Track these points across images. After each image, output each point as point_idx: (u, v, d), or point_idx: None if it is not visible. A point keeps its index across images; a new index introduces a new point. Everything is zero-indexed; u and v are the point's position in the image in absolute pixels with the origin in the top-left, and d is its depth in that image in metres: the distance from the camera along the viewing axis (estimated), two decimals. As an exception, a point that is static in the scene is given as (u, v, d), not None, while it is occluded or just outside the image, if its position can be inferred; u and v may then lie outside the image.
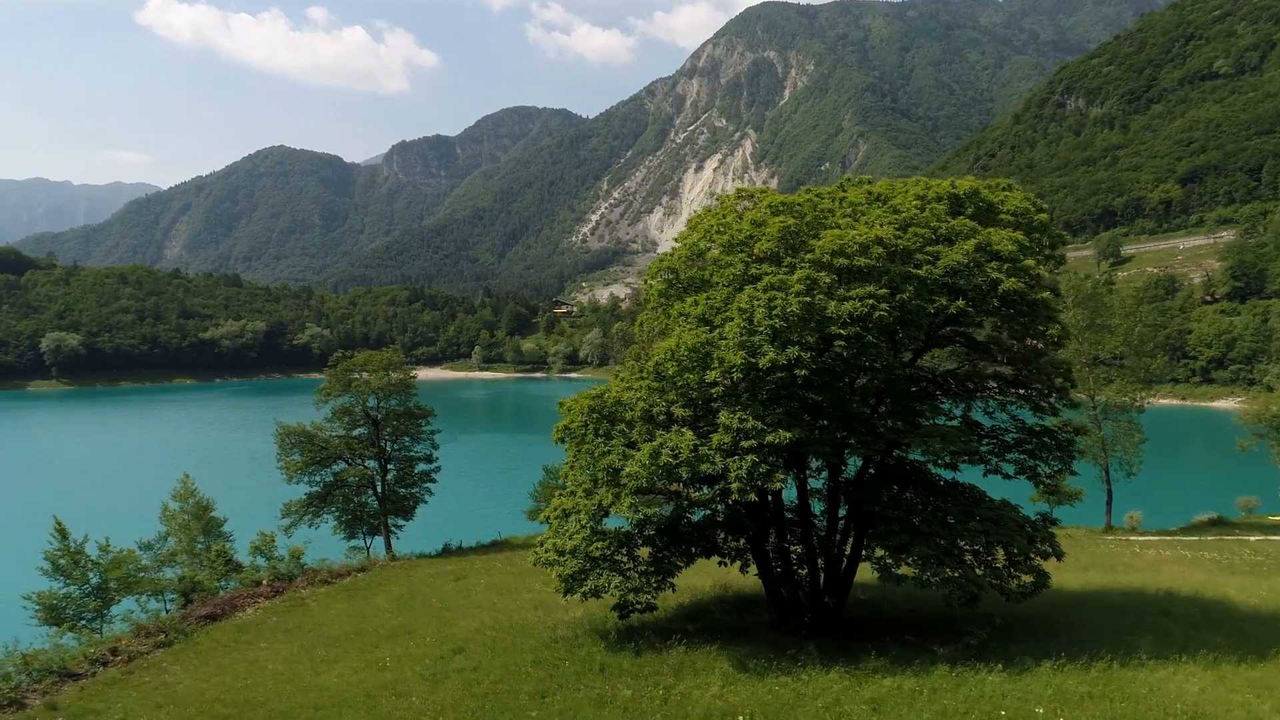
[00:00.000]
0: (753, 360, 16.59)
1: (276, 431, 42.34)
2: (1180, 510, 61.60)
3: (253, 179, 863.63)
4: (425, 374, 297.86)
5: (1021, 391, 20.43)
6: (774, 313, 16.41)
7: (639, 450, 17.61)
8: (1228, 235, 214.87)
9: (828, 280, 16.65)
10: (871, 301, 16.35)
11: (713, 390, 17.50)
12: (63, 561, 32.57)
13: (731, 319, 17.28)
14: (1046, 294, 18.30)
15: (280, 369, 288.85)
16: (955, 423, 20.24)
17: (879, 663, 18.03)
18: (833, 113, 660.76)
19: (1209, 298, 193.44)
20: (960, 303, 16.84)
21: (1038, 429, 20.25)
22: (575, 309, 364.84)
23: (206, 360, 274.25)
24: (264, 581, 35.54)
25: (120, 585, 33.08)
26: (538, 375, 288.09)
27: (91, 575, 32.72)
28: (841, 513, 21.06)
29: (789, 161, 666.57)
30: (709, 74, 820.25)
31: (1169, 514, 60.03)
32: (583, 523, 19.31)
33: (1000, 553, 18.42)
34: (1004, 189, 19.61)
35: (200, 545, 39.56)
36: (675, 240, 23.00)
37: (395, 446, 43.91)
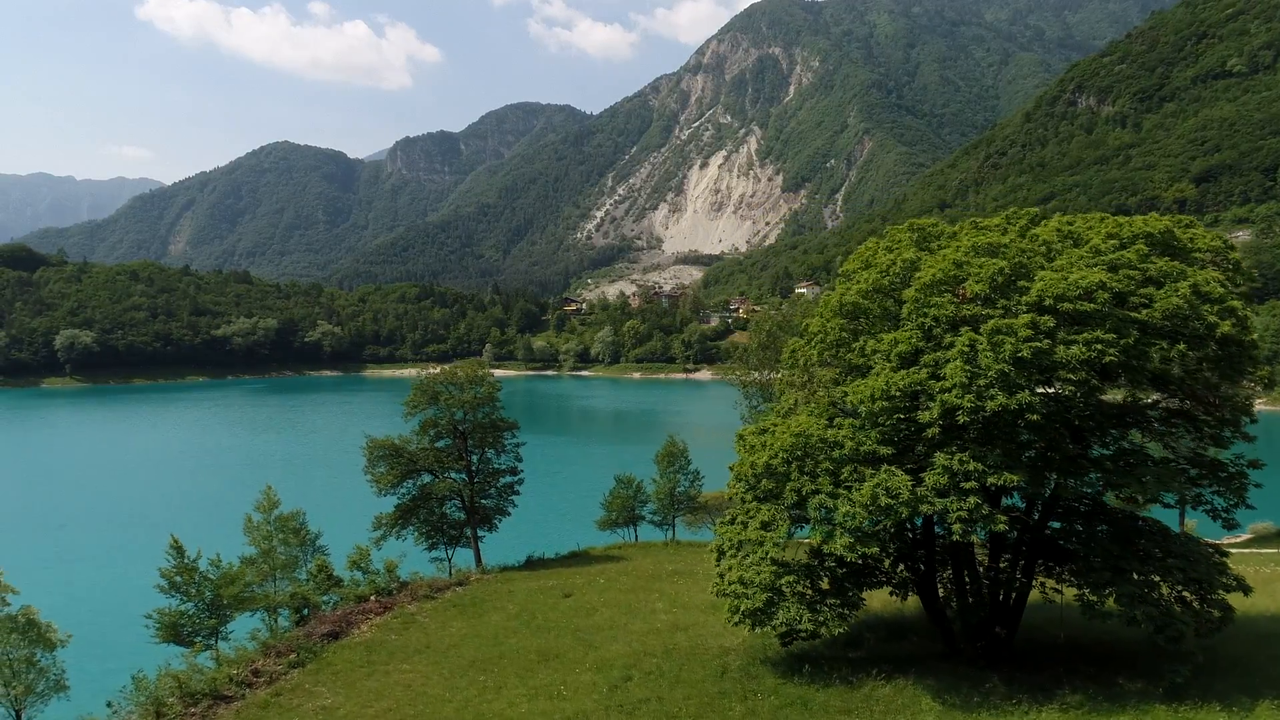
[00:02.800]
0: (979, 404, 16.75)
1: (365, 445, 42.49)
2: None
3: (257, 174, 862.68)
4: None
5: (1183, 423, 20.55)
6: (1001, 356, 16.57)
7: (852, 490, 17.78)
8: (1243, 235, 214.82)
9: (1049, 324, 16.81)
10: (1099, 347, 16.52)
11: (928, 431, 17.63)
12: (178, 579, 32.71)
13: (948, 360, 17.43)
14: (1254, 335, 18.45)
15: (292, 366, 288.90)
16: (1111, 453, 20.32)
17: (1077, 698, 18.21)
18: (838, 109, 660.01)
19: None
20: (1181, 346, 16.97)
21: (1208, 460, 20.36)
22: (584, 306, 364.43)
23: (218, 357, 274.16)
24: (370, 597, 35.71)
25: (234, 601, 33.20)
26: (549, 373, 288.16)
27: (206, 592, 32.85)
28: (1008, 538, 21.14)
29: (794, 158, 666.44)
30: (714, 70, 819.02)
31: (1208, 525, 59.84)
32: (767, 555, 19.47)
33: (1193, 587, 18.56)
34: (1187, 225, 19.76)
35: (283, 554, 39.40)
36: (840, 273, 23.18)
37: (479, 458, 44.06)
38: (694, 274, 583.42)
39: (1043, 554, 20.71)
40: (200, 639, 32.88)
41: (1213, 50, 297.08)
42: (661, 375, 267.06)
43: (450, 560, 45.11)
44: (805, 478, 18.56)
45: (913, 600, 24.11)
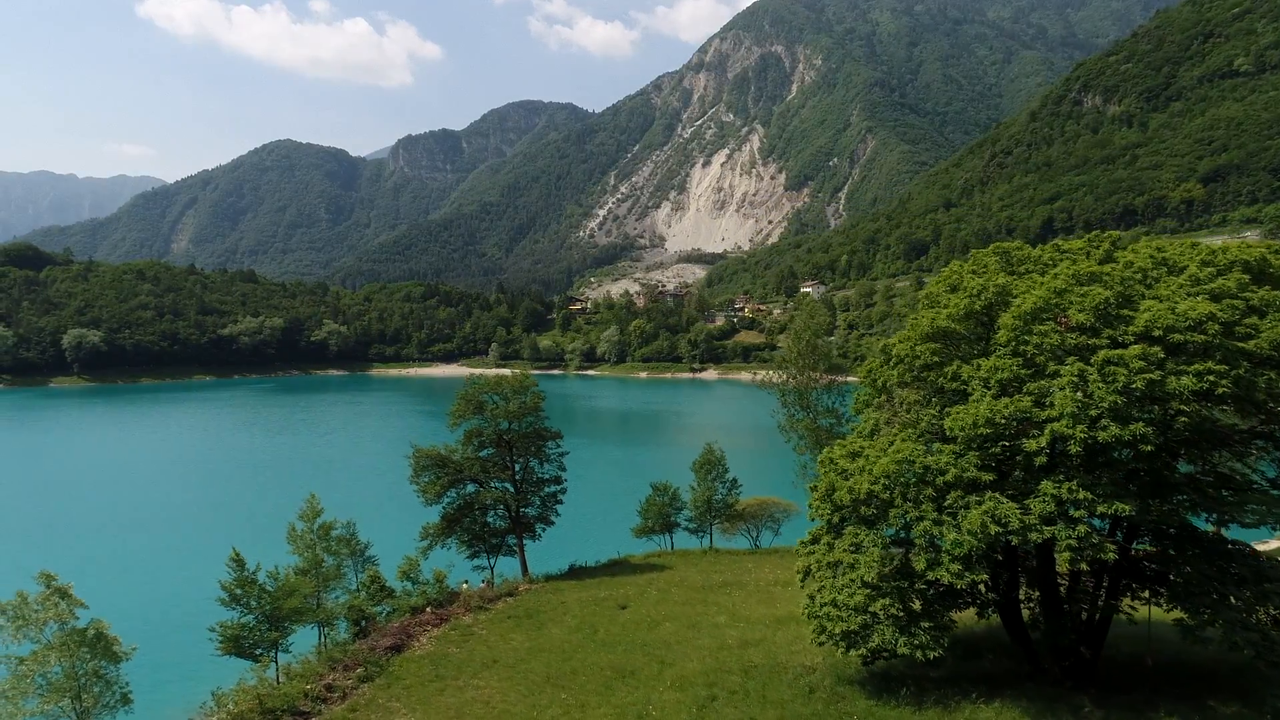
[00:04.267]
0: (1092, 435, 16.91)
1: (411, 454, 42.63)
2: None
3: (259, 173, 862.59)
4: (443, 370, 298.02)
5: (1264, 443, 20.69)
6: (1113, 388, 16.73)
7: (959, 517, 17.92)
8: (1252, 235, 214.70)
9: (1159, 355, 16.95)
10: (1211, 378, 16.68)
11: (1036, 460, 17.77)
12: (239, 591, 32.86)
13: (1054, 389, 17.58)
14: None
15: (298, 365, 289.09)
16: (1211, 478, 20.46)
17: (1177, 722, 18.40)
18: (841, 107, 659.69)
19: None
20: (1287, 374, 17.13)
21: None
22: (589, 305, 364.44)
23: (225, 357, 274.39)
24: (426, 609, 35.87)
25: (293, 614, 33.34)
26: (555, 372, 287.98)
27: (265, 604, 32.97)
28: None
29: (796, 156, 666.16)
30: (716, 68, 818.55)
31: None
32: (860, 577, 19.61)
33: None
34: (1278, 251, 19.88)
35: (329, 563, 39.49)
36: (924, 296, 23.30)
37: (523, 467, 44.22)
38: (697, 272, 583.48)
39: (1129, 575, 20.87)
40: (261, 651, 33.09)
41: (1219, 49, 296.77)
42: (668, 375, 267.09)
43: (492, 568, 45.30)
44: (909, 504, 18.69)
45: (973, 616, 24.18)
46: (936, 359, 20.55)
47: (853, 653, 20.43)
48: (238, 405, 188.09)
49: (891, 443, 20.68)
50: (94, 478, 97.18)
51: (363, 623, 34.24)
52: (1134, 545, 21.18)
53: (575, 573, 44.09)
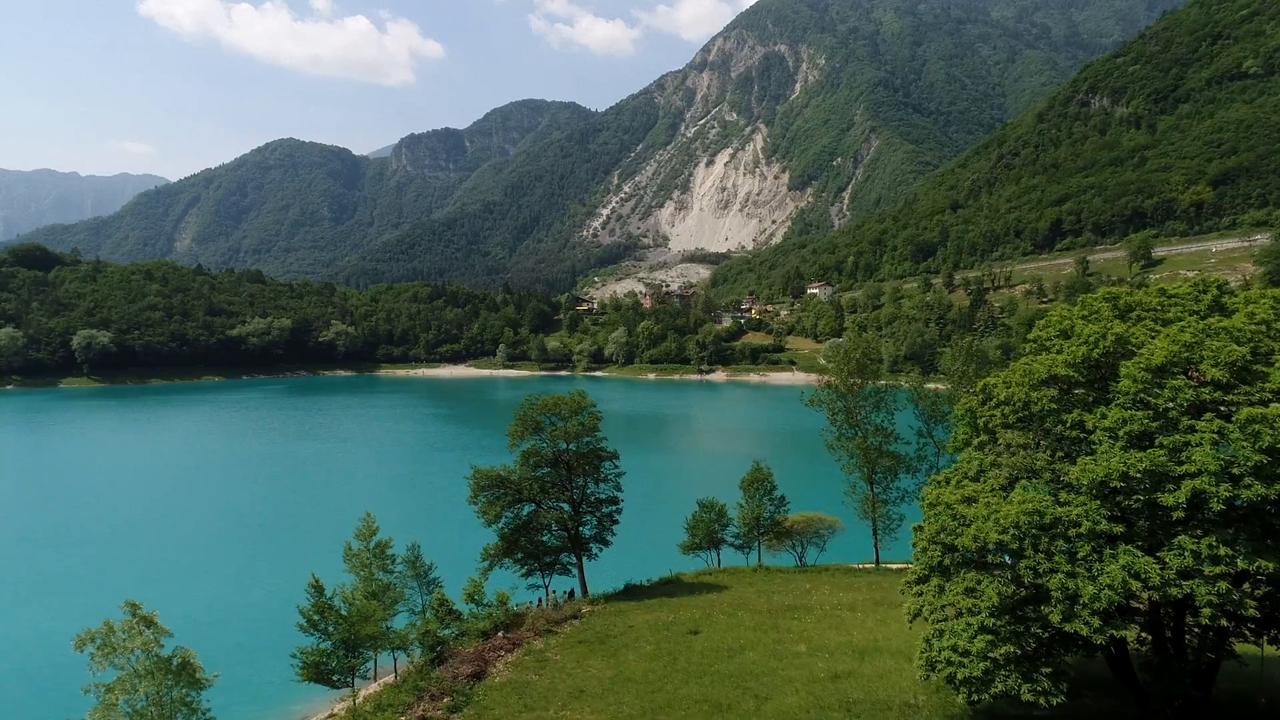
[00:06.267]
0: (1235, 493, 17.12)
1: (471, 475, 42.82)
2: None
3: (262, 171, 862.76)
4: (451, 371, 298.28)
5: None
6: (1258, 446, 16.94)
7: (1093, 569, 18.12)
8: (1262, 238, 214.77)
9: (1300, 411, 17.17)
10: (1354, 433, 16.89)
11: (1173, 514, 17.96)
12: (316, 617, 33.05)
13: (1191, 444, 17.79)
14: None
15: (306, 366, 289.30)
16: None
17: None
18: (844, 107, 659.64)
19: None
20: None
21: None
22: (596, 306, 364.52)
23: (233, 357, 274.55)
24: (498, 633, 36.08)
25: (369, 640, 33.45)
26: (562, 373, 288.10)
27: (342, 630, 33.12)
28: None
29: (800, 156, 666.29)
30: (719, 67, 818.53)
31: None
32: (982, 624, 19.78)
33: None
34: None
35: (382, 579, 39.51)
36: (1030, 338, 23.49)
37: (580, 487, 44.46)
38: (701, 272, 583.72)
39: (1241, 618, 21.05)
40: (338, 677, 33.29)
41: (1228, 51, 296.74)
42: (676, 376, 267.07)
43: (547, 587, 45.52)
44: (1041, 555, 18.86)
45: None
46: (1054, 406, 20.74)
47: (976, 697, 20.56)
48: (252, 408, 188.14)
49: (1005, 486, 20.84)
50: (127, 487, 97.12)
51: (438, 648, 34.41)
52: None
53: (631, 592, 44.29)
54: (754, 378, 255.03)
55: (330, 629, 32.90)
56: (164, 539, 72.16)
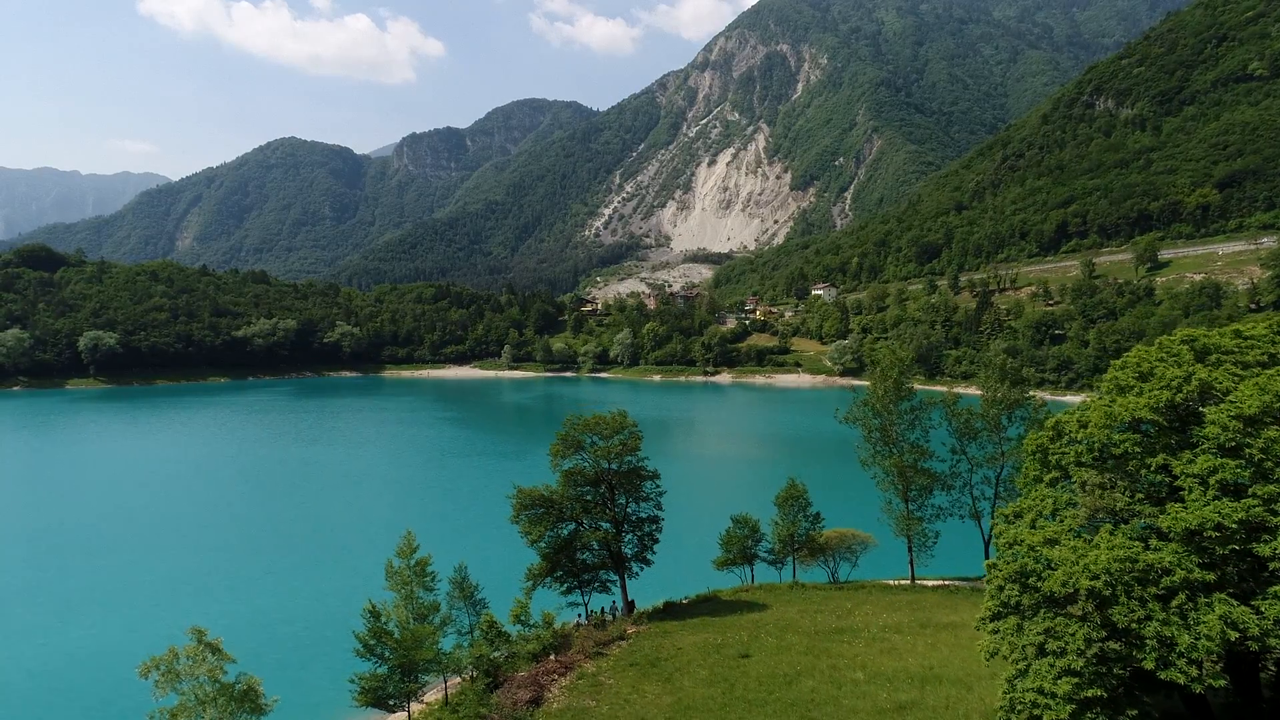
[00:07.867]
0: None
1: (513, 494, 43.02)
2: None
3: (263, 170, 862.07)
4: (456, 372, 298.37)
5: None
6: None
7: (1188, 618, 18.33)
8: (1269, 241, 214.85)
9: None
10: None
11: (1271, 565, 18.20)
12: (372, 642, 33.25)
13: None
14: None
15: (312, 367, 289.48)
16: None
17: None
18: (846, 107, 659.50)
19: (1254, 306, 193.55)
20: None
21: None
22: (600, 307, 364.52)
23: (239, 358, 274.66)
24: (550, 656, 36.26)
25: (424, 665, 33.61)
26: (568, 375, 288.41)
27: (399, 655, 33.29)
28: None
29: (802, 156, 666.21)
30: (721, 67, 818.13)
31: None
32: (1070, 666, 19.97)
33: None
34: None
35: (424, 598, 39.54)
36: (1108, 379, 23.68)
37: (622, 507, 44.66)
38: (703, 272, 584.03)
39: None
40: (395, 702, 33.51)
41: (1233, 53, 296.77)
42: (681, 378, 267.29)
43: (586, 605, 45.75)
44: (1135, 603, 19.05)
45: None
46: (1138, 449, 20.95)
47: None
48: (261, 410, 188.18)
49: (1084, 527, 21.04)
50: (150, 494, 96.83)
51: (491, 673, 34.60)
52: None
53: (672, 610, 44.50)
54: (759, 380, 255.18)
55: (387, 654, 33.11)
56: (193, 548, 72.27)
